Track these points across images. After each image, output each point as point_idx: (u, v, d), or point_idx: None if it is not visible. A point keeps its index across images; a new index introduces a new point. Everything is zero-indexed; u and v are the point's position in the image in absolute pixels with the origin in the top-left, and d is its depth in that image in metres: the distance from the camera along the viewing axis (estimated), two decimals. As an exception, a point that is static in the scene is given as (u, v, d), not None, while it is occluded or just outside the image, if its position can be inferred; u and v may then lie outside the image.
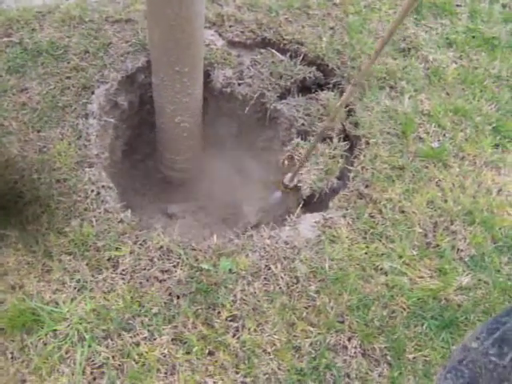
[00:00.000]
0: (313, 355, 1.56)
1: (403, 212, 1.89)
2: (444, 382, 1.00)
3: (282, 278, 1.69)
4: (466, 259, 1.81)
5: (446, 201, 1.93)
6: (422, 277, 1.75)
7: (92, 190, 1.81)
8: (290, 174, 2.10)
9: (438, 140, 2.10)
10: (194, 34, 1.78)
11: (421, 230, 1.85)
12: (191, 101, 2.03)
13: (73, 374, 1.46)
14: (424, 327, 1.65)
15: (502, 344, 0.96)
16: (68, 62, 2.13)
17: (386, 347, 1.61)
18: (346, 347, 1.60)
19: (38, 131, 1.93)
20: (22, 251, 1.65)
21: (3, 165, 1.82)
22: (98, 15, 2.33)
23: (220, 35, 2.35)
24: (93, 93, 2.06)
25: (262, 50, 2.32)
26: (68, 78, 2.08)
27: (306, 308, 1.65)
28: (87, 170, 1.86)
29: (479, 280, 1.77)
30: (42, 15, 2.33)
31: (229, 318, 1.60)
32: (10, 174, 1.80)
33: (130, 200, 2.24)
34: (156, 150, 2.42)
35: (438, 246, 1.83)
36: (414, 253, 1.79)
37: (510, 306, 1.74)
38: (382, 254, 1.78)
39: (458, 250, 1.83)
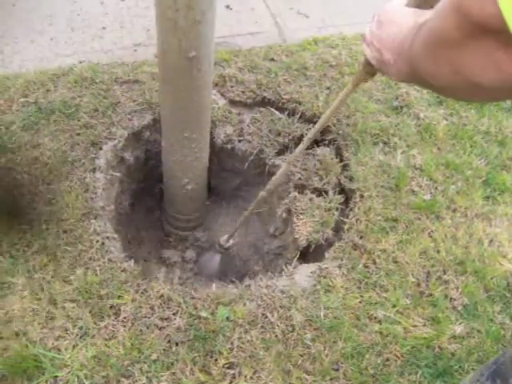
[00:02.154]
0: (308, 403, 1.59)
1: (397, 262, 1.94)
2: None
3: (278, 326, 1.74)
4: (459, 308, 1.85)
5: (438, 251, 1.99)
6: (415, 325, 1.78)
7: (97, 241, 1.89)
8: (226, 236, 2.22)
9: (430, 193, 2.18)
10: (203, 102, 1.91)
11: (414, 280, 1.90)
12: (198, 164, 2.14)
13: (72, 420, 1.49)
14: (418, 375, 1.67)
15: (496, 377, 1.01)
16: (78, 120, 2.27)
17: (380, 395, 1.63)
18: (341, 395, 1.62)
19: (48, 184, 2.03)
20: (27, 298, 1.72)
21: (14, 215, 1.91)
22: (108, 76, 2.49)
23: (222, 95, 2.49)
24: (101, 148, 2.18)
25: (262, 109, 2.45)
26: (78, 134, 2.21)
27: (301, 356, 1.68)
28: (93, 221, 1.95)
29: (472, 329, 1.80)
30: (56, 77, 2.49)
31: (226, 365, 1.63)
32: (19, 224, 1.89)
33: (133, 250, 2.32)
34: (161, 208, 2.53)
35: (431, 295, 1.87)
36: (408, 302, 1.84)
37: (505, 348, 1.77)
38: (376, 303, 1.82)
39: (451, 299, 1.87)
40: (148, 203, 2.61)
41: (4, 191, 2.00)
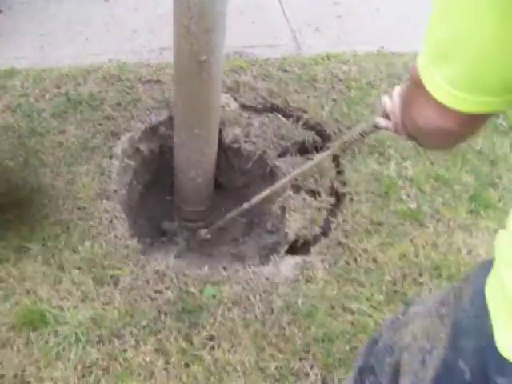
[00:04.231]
0: (277, 377, 1.75)
1: (376, 261, 2.09)
2: None
3: (258, 307, 1.91)
4: (429, 308, 1.99)
5: (417, 255, 2.13)
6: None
7: (106, 218, 2.11)
8: (206, 230, 2.47)
9: (417, 202, 2.32)
10: (212, 103, 2.10)
11: (390, 279, 2.04)
12: (206, 159, 2.33)
13: (65, 369, 1.69)
14: (382, 364, 1.82)
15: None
16: (102, 112, 2.51)
17: (344, 378, 1.78)
18: (307, 374, 1.78)
19: (69, 166, 2.27)
20: (39, 263, 1.95)
21: (36, 190, 2.15)
22: (133, 75, 2.73)
23: (235, 99, 2.69)
24: (119, 138, 2.41)
25: (270, 115, 2.65)
26: (100, 124, 2.45)
27: (276, 336, 1.85)
28: (105, 201, 2.17)
29: (439, 328, 1.93)
30: (87, 72, 2.75)
31: (207, 337, 1.82)
32: (41, 198, 2.13)
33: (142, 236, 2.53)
34: (172, 201, 2.73)
35: (404, 294, 2.02)
36: (382, 298, 1.99)
37: None
38: (352, 296, 1.97)
39: (423, 299, 2.01)
40: (160, 194, 2.81)
41: (30, 169, 2.24)
